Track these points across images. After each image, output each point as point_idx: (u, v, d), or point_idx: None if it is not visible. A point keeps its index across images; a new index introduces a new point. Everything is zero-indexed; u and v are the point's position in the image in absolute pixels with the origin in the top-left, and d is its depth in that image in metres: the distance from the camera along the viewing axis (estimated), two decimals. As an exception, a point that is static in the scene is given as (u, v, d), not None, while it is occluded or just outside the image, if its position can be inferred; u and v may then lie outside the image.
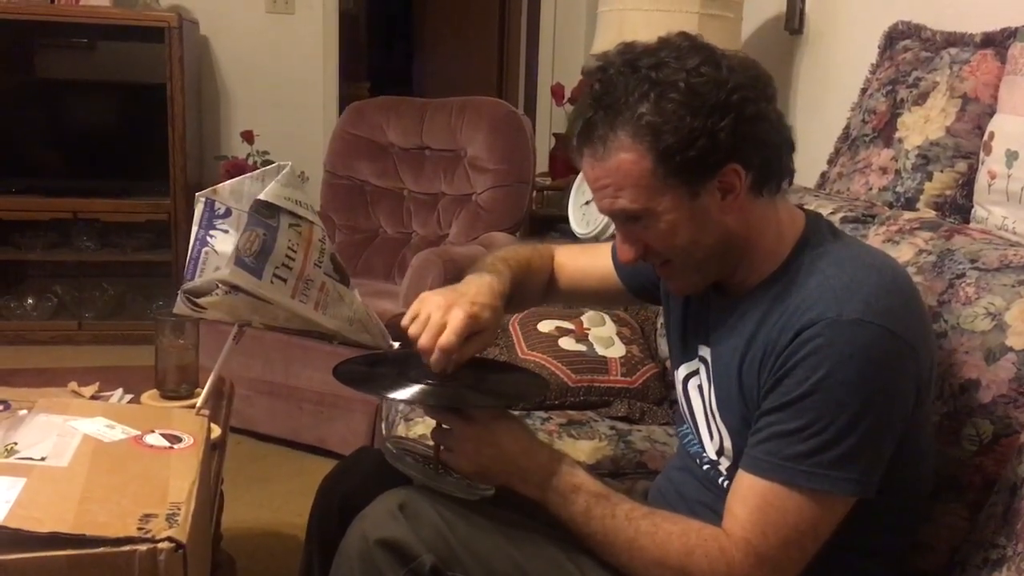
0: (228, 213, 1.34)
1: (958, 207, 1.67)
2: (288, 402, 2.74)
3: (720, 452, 1.19)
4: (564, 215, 2.82)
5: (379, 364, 1.28)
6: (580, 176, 2.76)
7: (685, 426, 1.30)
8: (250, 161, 3.76)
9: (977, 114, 1.67)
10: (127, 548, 0.94)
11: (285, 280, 1.26)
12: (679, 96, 1.02)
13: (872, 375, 1.00)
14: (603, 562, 1.12)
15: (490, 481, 1.17)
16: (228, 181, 1.36)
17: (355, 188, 3.40)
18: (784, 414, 1.03)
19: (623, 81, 1.05)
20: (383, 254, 3.30)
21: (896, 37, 1.98)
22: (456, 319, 1.14)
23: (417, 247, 3.15)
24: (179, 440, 1.21)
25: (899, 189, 1.74)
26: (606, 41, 3.64)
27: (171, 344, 1.55)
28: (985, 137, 1.61)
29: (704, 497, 1.22)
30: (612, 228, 2.49)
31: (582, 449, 1.77)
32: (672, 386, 2.05)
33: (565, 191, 3.40)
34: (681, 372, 1.29)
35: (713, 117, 1.02)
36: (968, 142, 1.67)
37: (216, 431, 1.44)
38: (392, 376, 1.19)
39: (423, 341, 1.14)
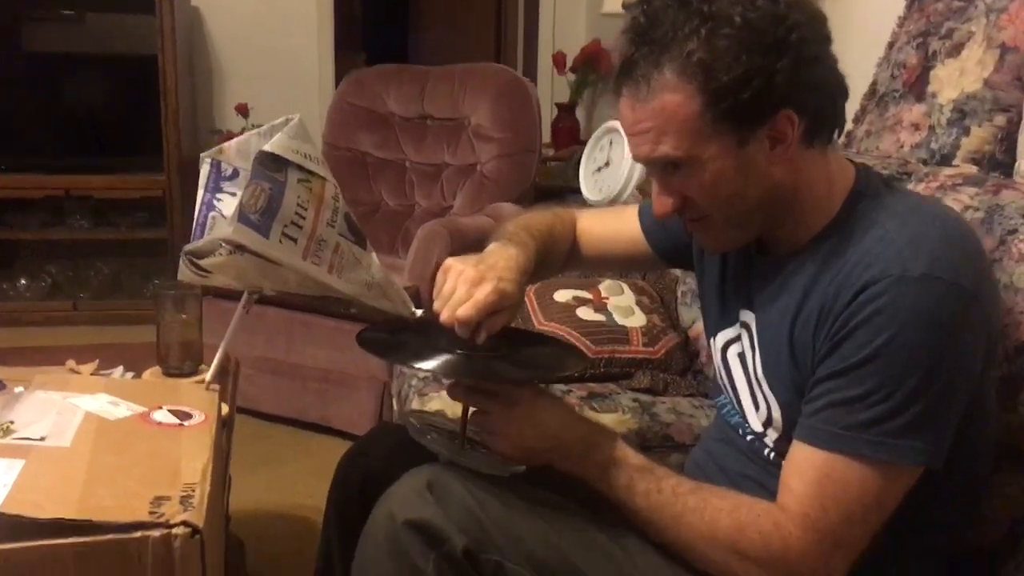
0: (235, 174, 1.24)
1: (997, 163, 1.59)
2: (292, 380, 2.68)
3: (768, 423, 1.11)
4: (568, 186, 2.75)
5: (402, 332, 1.20)
6: (590, 143, 2.68)
7: (723, 396, 1.22)
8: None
9: (1017, 64, 1.58)
10: (138, 534, 0.88)
11: (295, 240, 1.16)
12: (734, 32, 0.93)
13: (942, 336, 0.93)
14: (649, 541, 1.05)
15: (532, 462, 1.09)
16: (234, 139, 1.27)
17: (356, 160, 3.32)
18: (844, 380, 0.96)
19: (670, 14, 0.96)
20: (386, 227, 3.24)
21: (925, -13, 1.89)
22: (483, 293, 1.06)
23: (421, 219, 3.08)
24: (189, 416, 1.15)
25: (933, 146, 1.66)
26: (613, 4, 3.56)
27: (173, 319, 1.49)
28: (1027, 88, 1.53)
29: (748, 470, 1.14)
30: (627, 194, 2.41)
31: (606, 422, 1.70)
32: (695, 356, 1.99)
33: (568, 163, 3.33)
34: (719, 339, 1.21)
35: (770, 56, 0.93)
36: (1007, 94, 1.59)
37: (224, 408, 1.37)
38: (418, 345, 1.11)
39: (445, 316, 1.07)
